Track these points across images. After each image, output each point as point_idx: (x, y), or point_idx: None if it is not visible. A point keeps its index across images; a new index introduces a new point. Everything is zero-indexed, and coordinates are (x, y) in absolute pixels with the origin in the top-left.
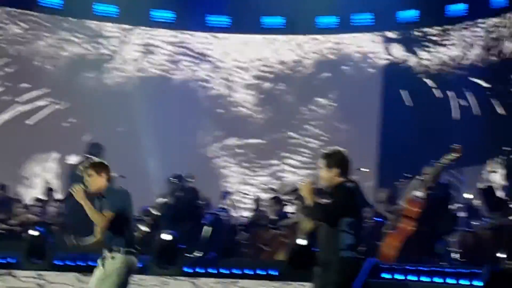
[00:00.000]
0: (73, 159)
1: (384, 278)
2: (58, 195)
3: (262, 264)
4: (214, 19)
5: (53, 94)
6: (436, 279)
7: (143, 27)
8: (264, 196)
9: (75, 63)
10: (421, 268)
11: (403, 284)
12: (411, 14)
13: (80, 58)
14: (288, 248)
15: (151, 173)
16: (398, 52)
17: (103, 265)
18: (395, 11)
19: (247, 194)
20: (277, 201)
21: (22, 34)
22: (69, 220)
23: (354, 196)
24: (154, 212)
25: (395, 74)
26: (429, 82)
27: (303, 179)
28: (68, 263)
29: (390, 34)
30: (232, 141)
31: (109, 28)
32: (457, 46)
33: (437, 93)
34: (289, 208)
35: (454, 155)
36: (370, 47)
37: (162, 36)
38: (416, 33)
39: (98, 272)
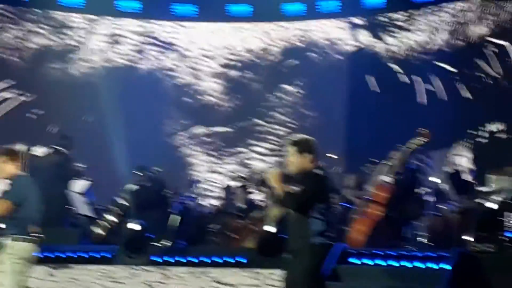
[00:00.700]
0: (39, 151)
1: (352, 263)
2: None
3: (231, 252)
4: (180, 8)
5: (18, 85)
6: (404, 263)
7: (109, 17)
8: (233, 184)
9: (41, 54)
10: (389, 252)
11: (371, 269)
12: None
13: (46, 49)
14: (257, 236)
15: (119, 163)
16: (365, 38)
17: None
18: None
19: (215, 182)
20: (245, 189)
21: None
22: None
23: (325, 182)
24: (121, 202)
25: (362, 60)
26: (395, 67)
27: (270, 166)
28: None
29: (356, 20)
30: (199, 129)
31: (75, 18)
32: (423, 31)
33: (404, 78)
34: (258, 196)
35: (421, 140)
36: (336, 33)
37: (128, 26)
38: (382, 18)
39: None
